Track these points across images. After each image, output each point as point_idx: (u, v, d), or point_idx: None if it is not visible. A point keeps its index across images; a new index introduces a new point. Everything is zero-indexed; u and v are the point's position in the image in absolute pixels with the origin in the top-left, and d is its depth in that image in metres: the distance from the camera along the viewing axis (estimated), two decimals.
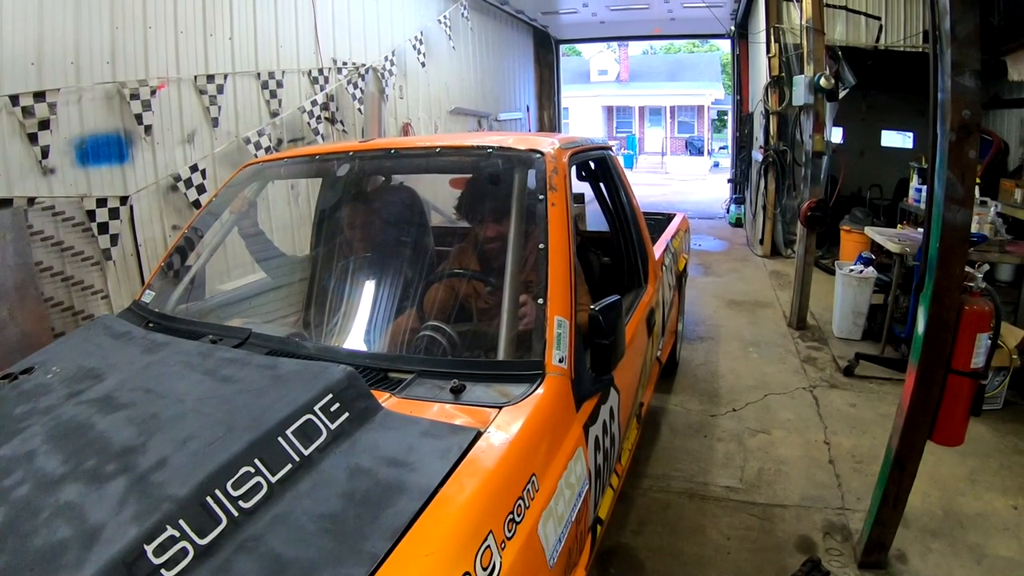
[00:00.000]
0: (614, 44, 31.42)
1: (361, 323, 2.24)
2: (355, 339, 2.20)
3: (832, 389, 4.46)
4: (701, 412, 4.14)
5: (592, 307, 1.76)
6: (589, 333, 1.78)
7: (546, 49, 14.20)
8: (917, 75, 6.88)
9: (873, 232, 5.42)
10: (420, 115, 8.19)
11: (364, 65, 6.50)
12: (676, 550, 2.82)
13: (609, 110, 32.11)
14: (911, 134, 9.52)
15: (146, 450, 1.34)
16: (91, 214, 3.65)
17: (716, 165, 26.22)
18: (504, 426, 1.49)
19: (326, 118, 5.89)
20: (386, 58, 6.88)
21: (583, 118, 30.39)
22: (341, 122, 6.14)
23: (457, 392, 1.62)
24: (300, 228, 5.27)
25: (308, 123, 5.49)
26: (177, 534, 1.12)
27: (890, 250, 4.90)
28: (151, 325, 2.19)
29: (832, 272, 6.65)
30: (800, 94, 5.32)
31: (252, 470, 1.26)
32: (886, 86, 8.41)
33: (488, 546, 1.24)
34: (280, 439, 1.33)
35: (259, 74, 5.05)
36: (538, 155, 2.13)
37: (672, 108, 31.60)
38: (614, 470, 2.33)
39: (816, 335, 5.56)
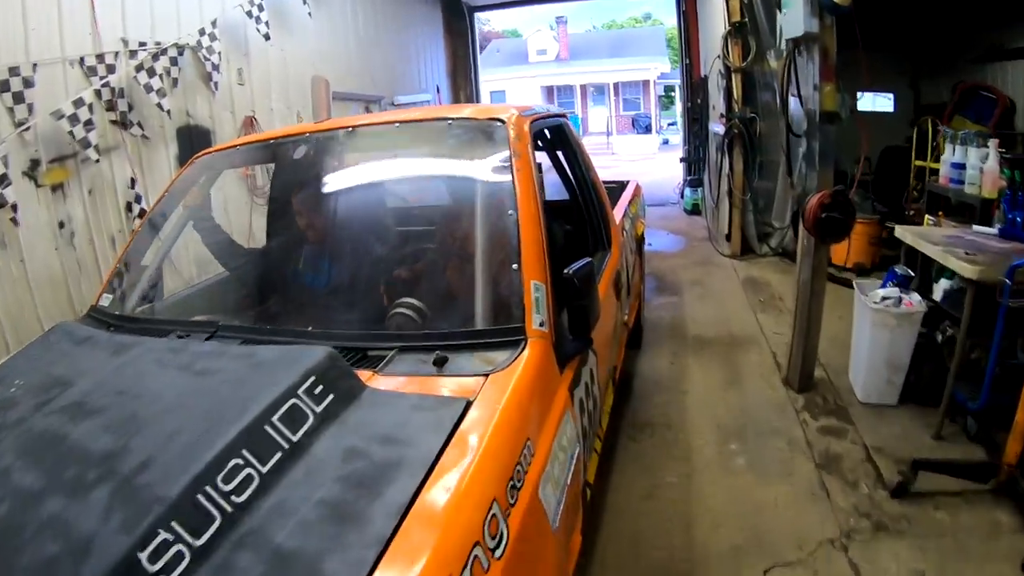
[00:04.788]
0: (552, 22, 29.82)
1: (333, 305, 2.17)
2: (328, 321, 2.03)
3: (879, 536, 2.46)
4: None
5: (566, 270, 1.73)
6: (565, 296, 1.78)
7: (458, 17, 11.77)
8: (900, 28, 5.01)
9: (914, 237, 3.40)
10: (274, 105, 6.10)
11: (174, 44, 4.49)
12: None
13: (549, 90, 30.15)
14: (890, 96, 7.82)
15: (128, 452, 1.28)
16: None
17: (666, 142, 24.67)
18: (494, 393, 1.46)
19: (112, 121, 4.01)
20: (202, 32, 4.78)
21: (521, 100, 28.17)
22: (139, 124, 4.21)
23: (440, 364, 1.58)
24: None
25: (70, 132, 3.62)
26: (171, 537, 1.07)
27: (960, 273, 2.90)
28: (113, 328, 2.13)
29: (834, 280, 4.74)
30: (797, 19, 3.25)
31: (241, 462, 1.21)
32: (863, 42, 6.51)
33: (494, 514, 1.23)
34: (267, 427, 1.28)
35: None
36: (499, 123, 2.14)
37: (616, 85, 29.73)
38: (596, 433, 2.33)
39: (829, 400, 3.53)
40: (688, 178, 10.23)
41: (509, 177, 1.94)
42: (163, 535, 1.05)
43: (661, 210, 10.34)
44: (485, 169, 2.05)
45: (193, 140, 4.78)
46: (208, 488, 1.13)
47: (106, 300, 2.32)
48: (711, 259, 6.90)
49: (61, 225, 3.67)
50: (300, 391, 1.36)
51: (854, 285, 3.60)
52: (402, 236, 2.52)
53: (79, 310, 3.71)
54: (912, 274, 3.52)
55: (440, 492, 1.17)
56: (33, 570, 1.06)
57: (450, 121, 2.25)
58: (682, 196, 10.44)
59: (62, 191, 3.68)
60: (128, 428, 1.36)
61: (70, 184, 3.72)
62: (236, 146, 2.68)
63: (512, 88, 28.53)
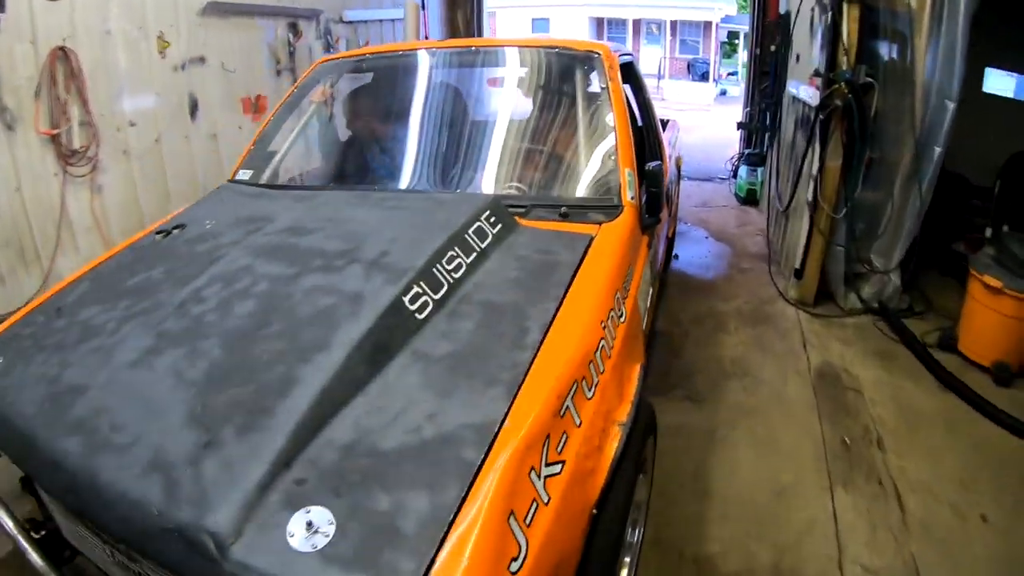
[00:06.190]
0: None
1: (471, 174, 2.58)
2: (471, 186, 2.52)
3: None
4: None
5: (647, 165, 2.27)
6: (644, 183, 2.30)
7: None
8: None
9: None
10: (113, 26, 4.05)
11: None
12: None
13: (599, 22, 26.98)
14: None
15: (361, 249, 1.77)
16: None
17: (723, 93, 21.73)
18: (607, 234, 2.05)
19: None
20: None
21: (566, 31, 25.33)
22: None
23: (565, 216, 2.15)
24: None
25: None
26: (420, 291, 1.60)
27: None
28: (275, 188, 2.59)
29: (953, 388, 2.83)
30: None
31: (454, 253, 1.76)
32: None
33: (618, 297, 1.85)
34: (465, 236, 1.84)
35: None
36: (597, 54, 2.71)
37: (674, 24, 26.56)
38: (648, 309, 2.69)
39: None
40: (746, 151, 7.53)
41: (607, 93, 2.53)
42: (416, 288, 1.59)
43: (704, 189, 7.73)
44: (589, 86, 2.63)
45: None
46: (438, 265, 1.69)
47: (244, 174, 2.71)
48: (766, 306, 4.33)
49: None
50: (482, 218, 1.94)
51: None
52: (523, 133, 2.78)
53: None
54: None
55: (588, 280, 1.77)
56: (314, 314, 1.52)
57: (558, 49, 2.85)
58: (735, 174, 7.74)
59: None
60: (351, 238, 1.85)
61: None
62: (360, 55, 3.26)
63: (557, 17, 25.68)
